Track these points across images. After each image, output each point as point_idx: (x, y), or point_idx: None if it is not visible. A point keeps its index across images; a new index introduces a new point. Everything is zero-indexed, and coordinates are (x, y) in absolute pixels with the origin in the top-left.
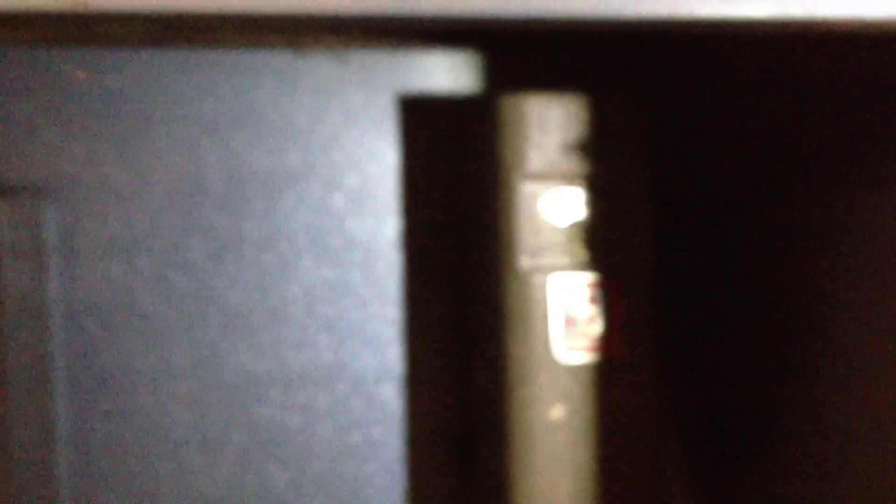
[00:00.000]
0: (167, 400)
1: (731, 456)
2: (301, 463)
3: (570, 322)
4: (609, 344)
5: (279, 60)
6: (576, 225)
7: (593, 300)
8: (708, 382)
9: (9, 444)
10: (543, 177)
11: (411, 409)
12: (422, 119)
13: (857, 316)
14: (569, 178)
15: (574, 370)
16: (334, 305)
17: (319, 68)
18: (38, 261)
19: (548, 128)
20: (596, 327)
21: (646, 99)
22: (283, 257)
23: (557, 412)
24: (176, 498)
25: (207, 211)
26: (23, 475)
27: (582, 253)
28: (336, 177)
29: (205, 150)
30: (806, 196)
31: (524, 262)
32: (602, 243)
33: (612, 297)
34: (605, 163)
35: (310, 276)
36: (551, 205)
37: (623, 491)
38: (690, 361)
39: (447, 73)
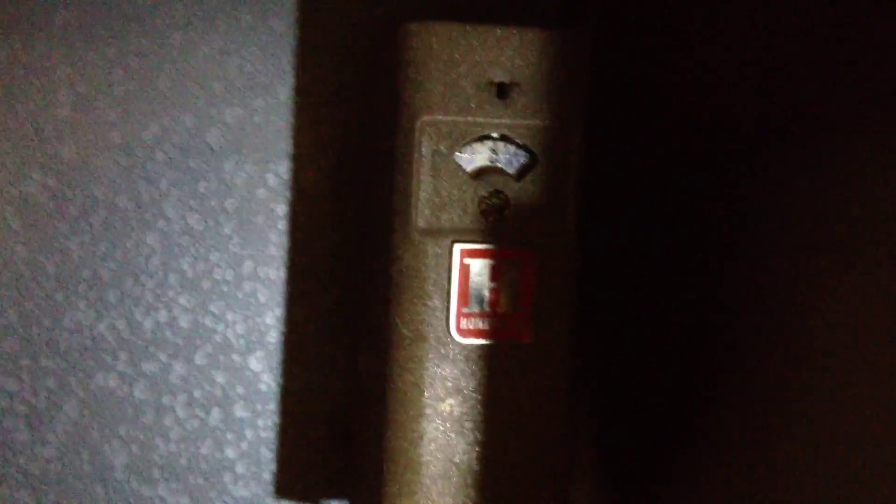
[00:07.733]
0: None
1: (649, 462)
2: (146, 443)
3: (471, 298)
4: (517, 326)
5: None
6: (487, 185)
7: (501, 274)
8: (629, 377)
9: None
10: (453, 125)
11: (284, 386)
12: (317, 50)
13: (810, 302)
14: (483, 128)
15: (473, 355)
16: (200, 261)
17: None
18: None
19: (461, 65)
20: (502, 306)
21: (584, 34)
22: (138, 200)
23: (450, 403)
24: None
25: (47, 145)
26: None
27: (492, 219)
28: (212, 109)
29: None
30: (749, 169)
31: (422, 224)
32: (517, 209)
33: (523, 272)
34: (528, 112)
35: (172, 225)
36: (460, 159)
37: (524, 495)
38: (610, 352)
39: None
